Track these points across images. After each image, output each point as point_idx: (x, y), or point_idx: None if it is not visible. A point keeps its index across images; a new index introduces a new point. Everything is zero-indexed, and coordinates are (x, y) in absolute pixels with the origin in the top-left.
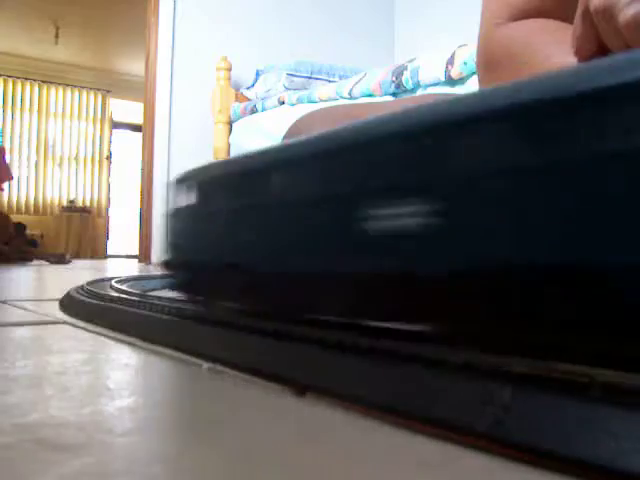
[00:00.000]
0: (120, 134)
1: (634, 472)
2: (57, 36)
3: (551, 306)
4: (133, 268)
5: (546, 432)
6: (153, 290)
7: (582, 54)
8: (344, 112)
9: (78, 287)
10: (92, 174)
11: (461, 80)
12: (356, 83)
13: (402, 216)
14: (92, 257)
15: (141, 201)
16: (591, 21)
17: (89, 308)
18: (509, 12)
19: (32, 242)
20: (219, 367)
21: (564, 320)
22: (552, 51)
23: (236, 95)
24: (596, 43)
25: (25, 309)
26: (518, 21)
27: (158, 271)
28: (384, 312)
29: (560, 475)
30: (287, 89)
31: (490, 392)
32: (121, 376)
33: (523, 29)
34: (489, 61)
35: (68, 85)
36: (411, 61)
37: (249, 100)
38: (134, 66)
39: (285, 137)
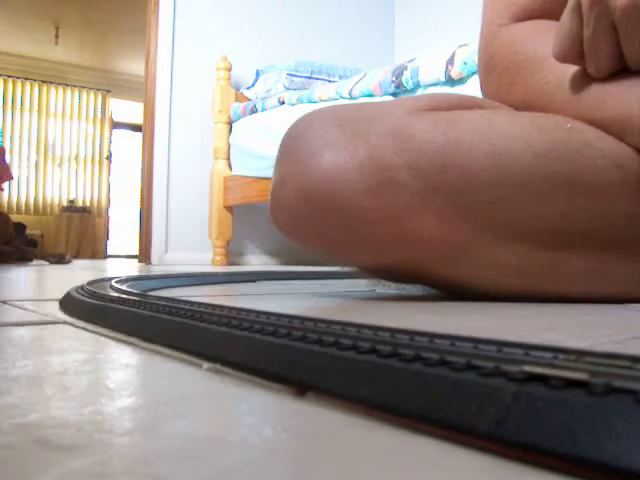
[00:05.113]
0: (120, 134)
1: (636, 471)
2: (57, 36)
3: None
4: (133, 268)
5: (547, 431)
6: (153, 290)
7: (564, 54)
8: (344, 112)
9: (78, 287)
10: (92, 174)
11: (461, 80)
12: (356, 83)
13: None
14: (92, 257)
15: (141, 201)
16: (580, 17)
17: (89, 308)
18: (514, 12)
19: (32, 242)
20: (219, 367)
21: None
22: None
23: (236, 95)
24: (579, 43)
25: (25, 309)
26: (521, 22)
27: (158, 271)
28: None
29: (562, 475)
30: (287, 89)
31: (491, 392)
32: (121, 376)
33: (526, 29)
34: (491, 62)
35: (68, 85)
36: (411, 61)
37: (249, 100)
38: (134, 66)
39: (285, 137)
